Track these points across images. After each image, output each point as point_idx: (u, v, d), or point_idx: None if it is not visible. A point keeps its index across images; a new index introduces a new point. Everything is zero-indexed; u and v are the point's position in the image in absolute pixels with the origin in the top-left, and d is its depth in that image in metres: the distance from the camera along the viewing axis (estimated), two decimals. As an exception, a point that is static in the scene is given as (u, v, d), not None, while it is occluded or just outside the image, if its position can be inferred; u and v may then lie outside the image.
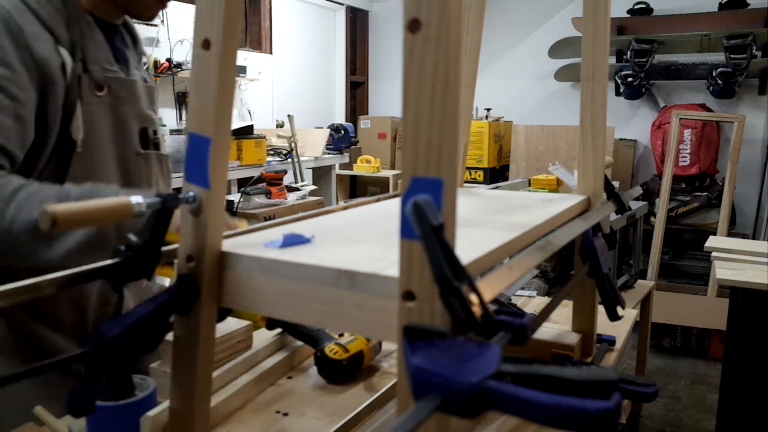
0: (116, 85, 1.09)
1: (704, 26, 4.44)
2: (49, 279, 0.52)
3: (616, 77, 4.65)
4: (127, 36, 1.21)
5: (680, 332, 3.51)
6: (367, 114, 5.77)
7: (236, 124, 3.43)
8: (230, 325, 1.04)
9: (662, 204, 4.05)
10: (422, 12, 0.43)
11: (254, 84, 4.71)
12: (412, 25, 0.44)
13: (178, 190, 0.60)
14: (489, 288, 0.55)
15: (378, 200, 0.93)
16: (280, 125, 4.27)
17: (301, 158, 3.67)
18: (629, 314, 1.26)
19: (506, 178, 4.20)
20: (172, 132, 3.24)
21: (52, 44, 0.99)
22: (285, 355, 1.01)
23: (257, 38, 4.87)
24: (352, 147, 4.74)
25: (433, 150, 0.45)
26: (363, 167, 4.70)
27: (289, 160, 3.62)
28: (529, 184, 2.84)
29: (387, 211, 0.84)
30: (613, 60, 4.64)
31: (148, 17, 1.16)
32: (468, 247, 0.56)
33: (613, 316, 0.99)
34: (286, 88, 5.09)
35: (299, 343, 1.04)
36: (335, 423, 0.82)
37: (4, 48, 0.95)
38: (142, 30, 3.65)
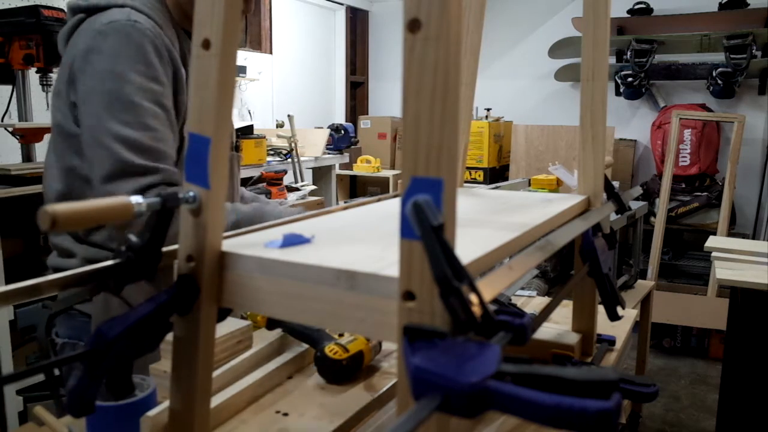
0: None
1: (704, 26, 4.43)
2: (50, 280, 0.52)
3: (616, 77, 4.64)
4: None
5: (680, 332, 3.51)
6: (367, 114, 5.77)
7: (236, 124, 3.42)
8: (230, 325, 1.04)
9: (662, 204, 4.05)
10: (422, 12, 0.43)
11: (254, 84, 4.70)
12: (412, 25, 0.44)
13: None
14: (489, 288, 0.55)
15: (378, 200, 0.93)
16: (280, 125, 4.26)
17: (301, 158, 3.67)
18: (629, 314, 1.26)
19: (506, 178, 4.20)
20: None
21: (176, 56, 1.13)
22: (287, 359, 1.00)
23: (257, 38, 4.86)
24: (352, 147, 4.73)
25: (433, 150, 0.45)
26: (363, 167, 4.70)
27: (289, 160, 3.61)
28: (529, 184, 2.84)
29: (387, 211, 0.84)
30: (613, 60, 4.64)
31: None
32: (468, 247, 0.56)
33: (613, 316, 0.99)
34: (286, 88, 5.09)
35: (301, 344, 1.04)
36: (335, 423, 0.82)
37: (155, 67, 1.08)
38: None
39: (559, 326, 1.10)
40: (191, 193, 0.58)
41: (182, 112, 1.14)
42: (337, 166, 4.40)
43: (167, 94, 1.10)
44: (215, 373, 0.86)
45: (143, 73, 1.06)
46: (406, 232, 0.46)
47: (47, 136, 1.27)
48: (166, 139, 1.09)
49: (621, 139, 4.75)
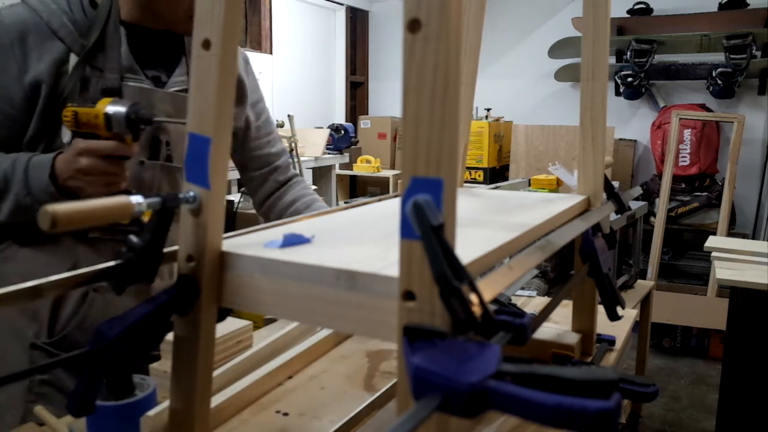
0: (130, 92, 1.11)
1: (704, 26, 4.44)
2: (50, 281, 0.52)
3: (616, 77, 4.65)
4: (187, 41, 1.23)
5: (680, 332, 3.51)
6: (367, 114, 5.77)
7: (236, 124, 3.42)
8: (230, 325, 1.04)
9: (662, 204, 4.05)
10: (422, 12, 0.43)
11: (254, 84, 4.70)
12: (412, 25, 0.44)
13: None
14: (489, 288, 0.55)
15: (380, 200, 0.93)
16: (280, 125, 4.26)
17: (301, 158, 3.67)
18: (629, 314, 1.26)
19: (506, 178, 4.20)
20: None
21: (58, 52, 1.05)
22: (287, 359, 1.00)
23: (257, 38, 4.86)
24: (352, 147, 4.74)
25: (433, 150, 0.45)
26: (363, 167, 4.70)
27: (289, 160, 3.62)
28: (529, 184, 2.84)
29: (387, 211, 0.84)
30: (613, 60, 4.64)
31: (183, 31, 1.19)
32: (468, 247, 0.56)
33: (613, 316, 0.99)
34: (286, 88, 5.09)
35: (302, 345, 1.04)
36: (335, 423, 0.82)
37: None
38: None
39: (559, 326, 1.10)
40: (191, 193, 0.58)
41: (41, 112, 1.06)
42: (337, 166, 4.40)
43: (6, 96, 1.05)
44: (215, 373, 0.86)
45: None
46: (406, 232, 0.46)
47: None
48: None
49: (621, 139, 4.75)
